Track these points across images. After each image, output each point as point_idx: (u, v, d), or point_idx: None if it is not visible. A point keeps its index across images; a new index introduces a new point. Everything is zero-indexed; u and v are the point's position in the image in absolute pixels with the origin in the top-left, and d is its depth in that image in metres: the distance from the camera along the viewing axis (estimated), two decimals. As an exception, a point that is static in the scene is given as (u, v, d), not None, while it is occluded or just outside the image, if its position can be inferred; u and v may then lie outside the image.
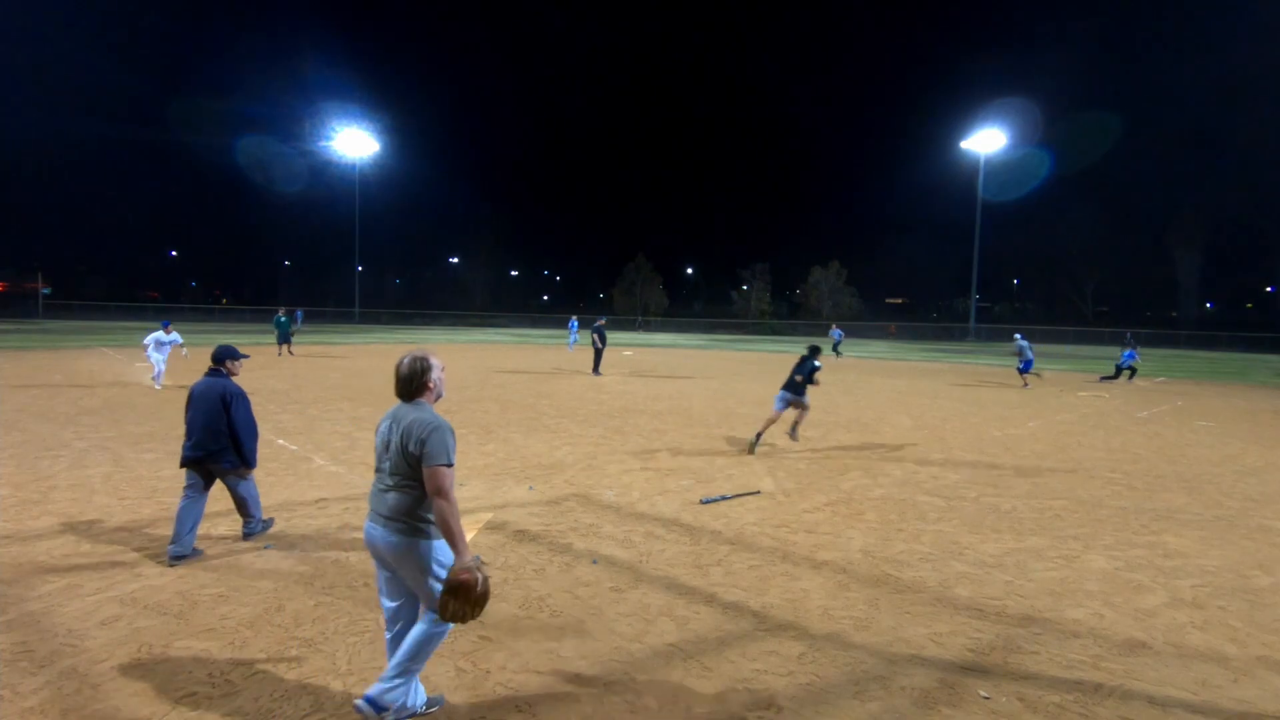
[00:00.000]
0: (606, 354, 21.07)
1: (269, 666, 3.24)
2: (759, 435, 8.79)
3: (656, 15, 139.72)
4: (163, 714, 2.85)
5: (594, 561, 4.74)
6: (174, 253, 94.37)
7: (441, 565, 2.73)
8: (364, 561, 4.60)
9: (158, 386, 13.49)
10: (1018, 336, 19.43)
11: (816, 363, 8.88)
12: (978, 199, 56.28)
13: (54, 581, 4.17)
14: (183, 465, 4.70)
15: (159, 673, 3.17)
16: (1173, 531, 5.87)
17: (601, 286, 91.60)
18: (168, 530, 5.14)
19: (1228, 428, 12.21)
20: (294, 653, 3.38)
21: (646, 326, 70.41)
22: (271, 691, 3.03)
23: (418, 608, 2.85)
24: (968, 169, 58.62)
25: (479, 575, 2.59)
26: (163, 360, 13.81)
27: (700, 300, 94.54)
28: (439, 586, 2.68)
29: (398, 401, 2.87)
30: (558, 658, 3.41)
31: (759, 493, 6.75)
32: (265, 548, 4.83)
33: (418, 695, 2.83)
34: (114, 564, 4.48)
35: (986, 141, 54.99)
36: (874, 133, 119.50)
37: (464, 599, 2.57)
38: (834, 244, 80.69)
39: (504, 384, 16.02)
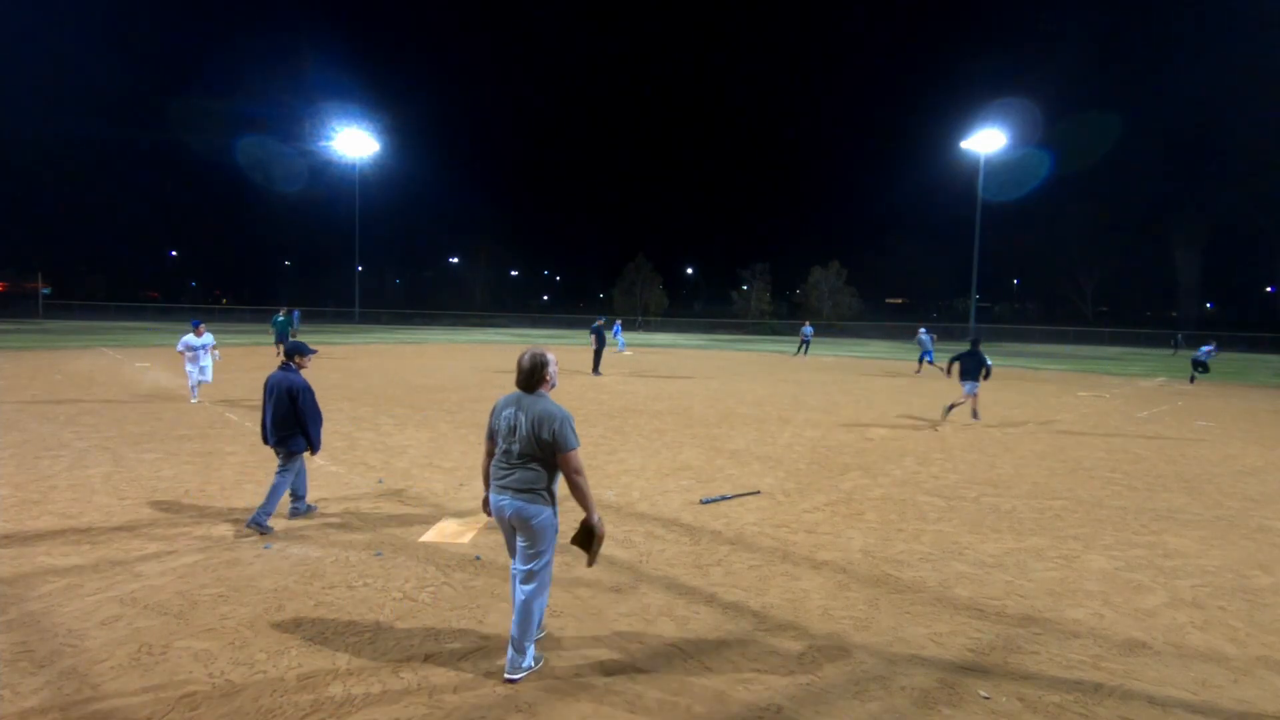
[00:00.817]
0: (606, 354, 21.08)
1: (270, 666, 3.24)
2: (951, 408, 11.63)
3: (656, 15, 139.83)
4: (163, 714, 2.85)
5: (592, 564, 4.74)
6: (174, 253, 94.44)
7: (554, 529, 3.31)
8: (364, 561, 4.60)
9: (194, 400, 11.66)
10: (921, 331, 22.97)
11: (989, 360, 11.71)
12: (978, 199, 56.19)
13: (54, 581, 4.17)
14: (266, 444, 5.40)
15: (159, 673, 3.17)
16: (1173, 531, 5.87)
17: (601, 286, 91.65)
18: (167, 530, 5.15)
19: (1228, 428, 12.21)
20: (294, 652, 3.38)
21: (646, 326, 70.40)
22: (271, 691, 3.03)
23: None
24: (968, 169, 58.51)
25: (603, 528, 3.35)
26: (198, 371, 11.68)
27: (700, 300, 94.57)
28: (545, 546, 3.27)
29: (516, 390, 3.33)
30: (558, 657, 3.41)
31: (759, 493, 6.75)
32: (265, 548, 4.83)
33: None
34: (114, 564, 4.48)
35: (986, 141, 54.91)
36: (874, 133, 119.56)
37: (599, 543, 3.33)
38: (834, 244, 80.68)
39: (504, 384, 16.01)
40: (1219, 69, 68.45)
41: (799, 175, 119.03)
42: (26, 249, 76.37)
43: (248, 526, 5.19)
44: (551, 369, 3.34)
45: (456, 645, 3.50)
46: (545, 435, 3.16)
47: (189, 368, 11.60)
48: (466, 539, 5.15)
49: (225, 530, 5.20)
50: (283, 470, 5.32)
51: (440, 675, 3.21)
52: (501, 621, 3.77)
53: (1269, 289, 68.86)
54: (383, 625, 3.69)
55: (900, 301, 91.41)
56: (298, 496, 5.62)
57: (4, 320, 44.90)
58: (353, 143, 65.48)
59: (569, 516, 3.87)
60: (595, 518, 3.29)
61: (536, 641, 3.41)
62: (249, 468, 7.20)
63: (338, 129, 65.46)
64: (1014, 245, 69.77)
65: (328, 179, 72.88)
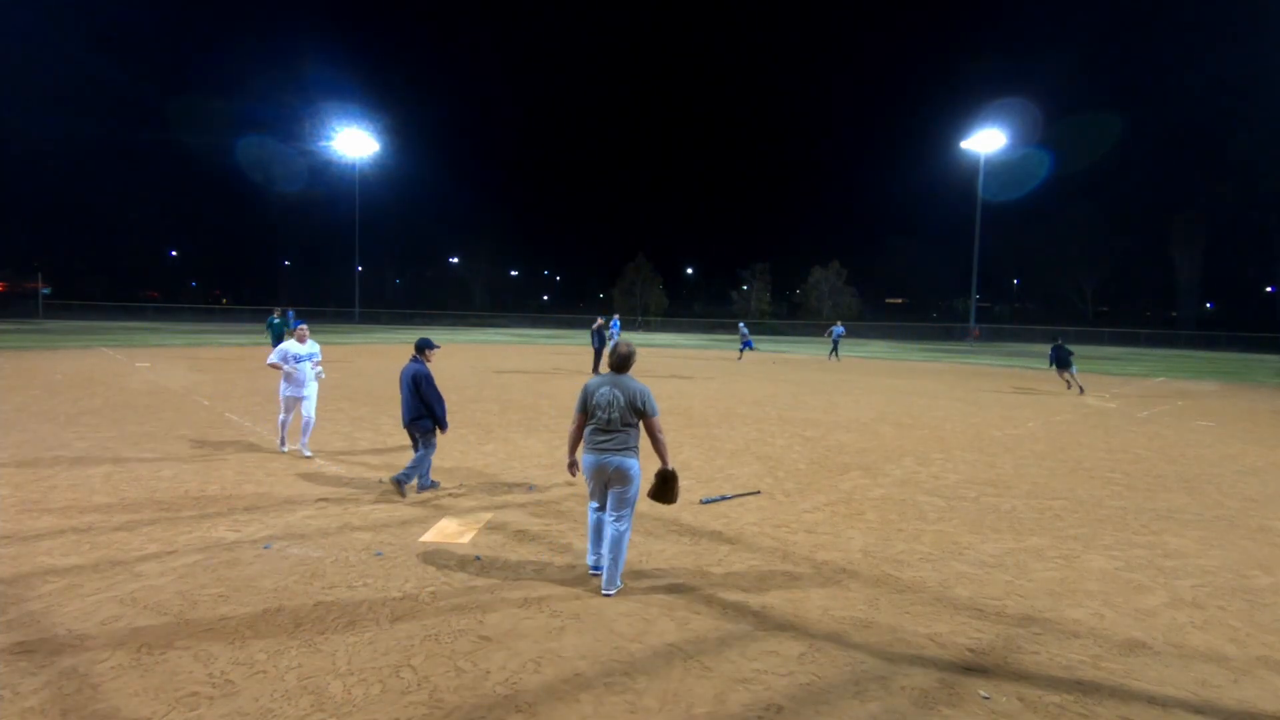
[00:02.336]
0: (606, 353, 21.04)
1: (270, 666, 3.25)
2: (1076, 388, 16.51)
3: (656, 15, 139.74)
4: (163, 714, 2.85)
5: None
6: (174, 253, 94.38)
7: (638, 476, 4.26)
8: (364, 561, 4.60)
9: (284, 448, 7.93)
10: (741, 325, 26.08)
11: (1069, 348, 16.95)
12: (978, 199, 56.25)
13: (54, 581, 4.17)
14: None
15: (159, 673, 3.17)
16: (1173, 531, 5.87)
17: (601, 286, 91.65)
18: (167, 530, 5.15)
19: (1228, 428, 12.21)
20: (294, 652, 3.38)
21: (646, 326, 70.41)
22: (271, 691, 3.03)
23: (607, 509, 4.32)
24: (968, 169, 58.57)
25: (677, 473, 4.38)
26: (301, 392, 7.69)
27: (700, 300, 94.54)
28: (634, 490, 4.25)
29: (606, 373, 4.36)
30: (558, 658, 3.41)
31: (759, 493, 6.75)
32: (265, 547, 4.83)
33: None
34: (114, 564, 4.48)
35: (986, 141, 54.94)
36: (874, 133, 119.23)
37: (674, 486, 4.36)
38: (834, 244, 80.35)
39: (504, 384, 16.01)
40: (1219, 69, 68.41)
41: (799, 175, 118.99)
42: (26, 249, 76.39)
43: (392, 480, 6.26)
44: (636, 356, 4.43)
45: (457, 645, 3.50)
46: (638, 404, 4.16)
47: (285, 389, 7.72)
48: (466, 539, 5.15)
49: (225, 530, 5.20)
50: (425, 447, 6.27)
51: (440, 675, 3.21)
52: (501, 619, 3.78)
53: (1269, 289, 68.81)
54: (383, 625, 3.70)
55: (900, 301, 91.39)
56: (423, 472, 6.33)
57: (4, 320, 44.91)
58: (353, 143, 65.53)
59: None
60: (671, 466, 4.31)
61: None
62: (249, 467, 7.20)
63: (338, 129, 65.50)
64: (1014, 245, 69.74)
65: (328, 179, 72.90)
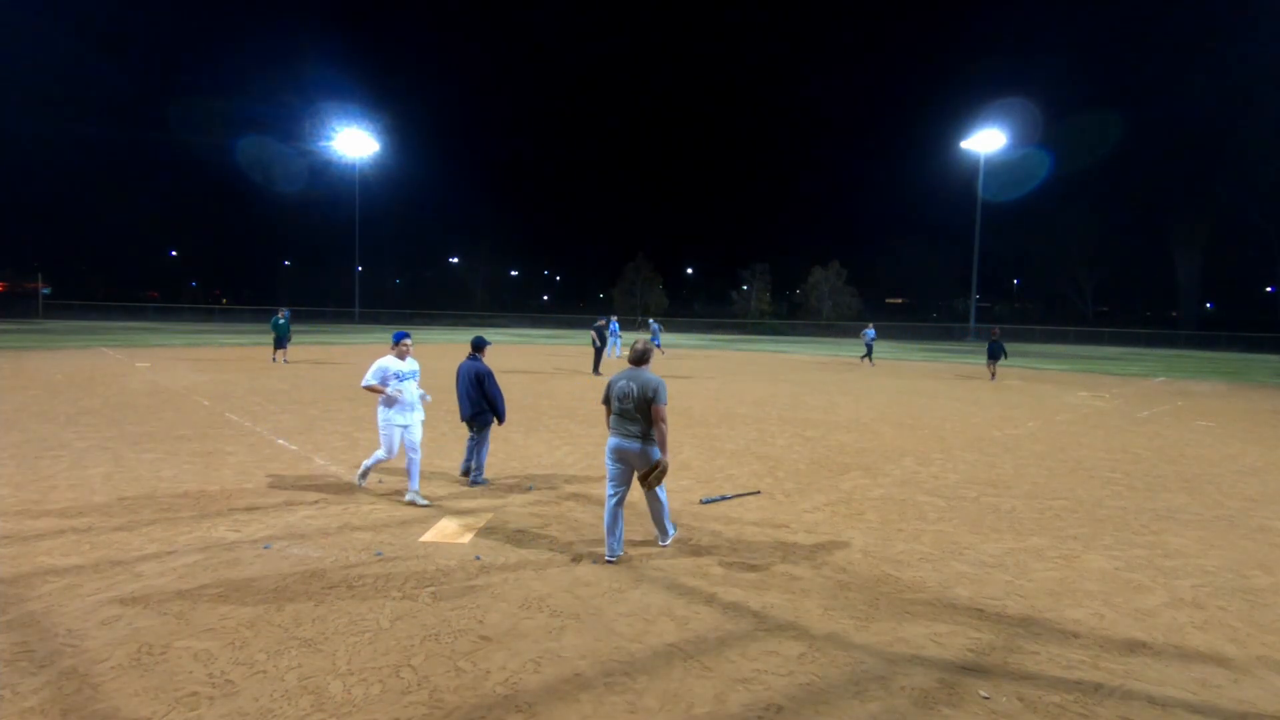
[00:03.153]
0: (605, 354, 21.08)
1: (270, 666, 3.25)
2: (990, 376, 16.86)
3: (656, 16, 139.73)
4: (163, 714, 2.85)
5: (594, 561, 4.74)
6: (174, 253, 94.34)
7: (656, 456, 4.74)
8: (364, 561, 4.60)
9: (360, 483, 6.47)
10: (650, 321, 26.22)
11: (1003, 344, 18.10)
12: (978, 199, 56.25)
13: (54, 581, 4.17)
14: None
15: (159, 673, 3.17)
16: (1173, 531, 5.87)
17: (601, 286, 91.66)
18: (167, 530, 5.15)
19: (1228, 428, 12.21)
20: (293, 653, 3.38)
21: (646, 327, 70.37)
22: (271, 691, 3.03)
23: (628, 487, 4.88)
24: (968, 169, 58.58)
25: (667, 464, 4.79)
26: (409, 419, 6.07)
27: (700, 300, 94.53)
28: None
29: (629, 367, 4.87)
30: (558, 658, 3.41)
31: (759, 493, 6.75)
32: (265, 547, 4.83)
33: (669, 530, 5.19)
34: (114, 564, 4.48)
35: (986, 141, 54.94)
36: (874, 133, 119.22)
37: (661, 475, 4.75)
38: (834, 244, 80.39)
39: (504, 384, 15.96)
40: (1219, 69, 68.43)
41: (799, 175, 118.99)
42: (26, 249, 76.39)
43: (472, 484, 6.65)
44: (652, 353, 4.97)
45: (457, 645, 3.50)
46: (649, 395, 4.67)
47: (386, 417, 6.05)
48: (466, 539, 5.15)
49: (225, 530, 5.20)
50: (482, 441, 6.64)
51: (440, 675, 3.21)
52: (501, 619, 3.78)
53: (1269, 289, 68.77)
54: (382, 625, 3.70)
55: (900, 301, 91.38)
56: (477, 468, 6.72)
57: (4, 320, 44.90)
58: (353, 143, 65.55)
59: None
60: (665, 457, 4.75)
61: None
62: (249, 468, 7.20)
63: (338, 129, 65.52)
64: (1014, 245, 69.75)
65: (328, 179, 72.91)
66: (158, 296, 79.80)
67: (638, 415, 4.69)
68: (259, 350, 24.26)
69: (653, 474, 4.71)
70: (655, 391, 4.67)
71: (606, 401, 4.89)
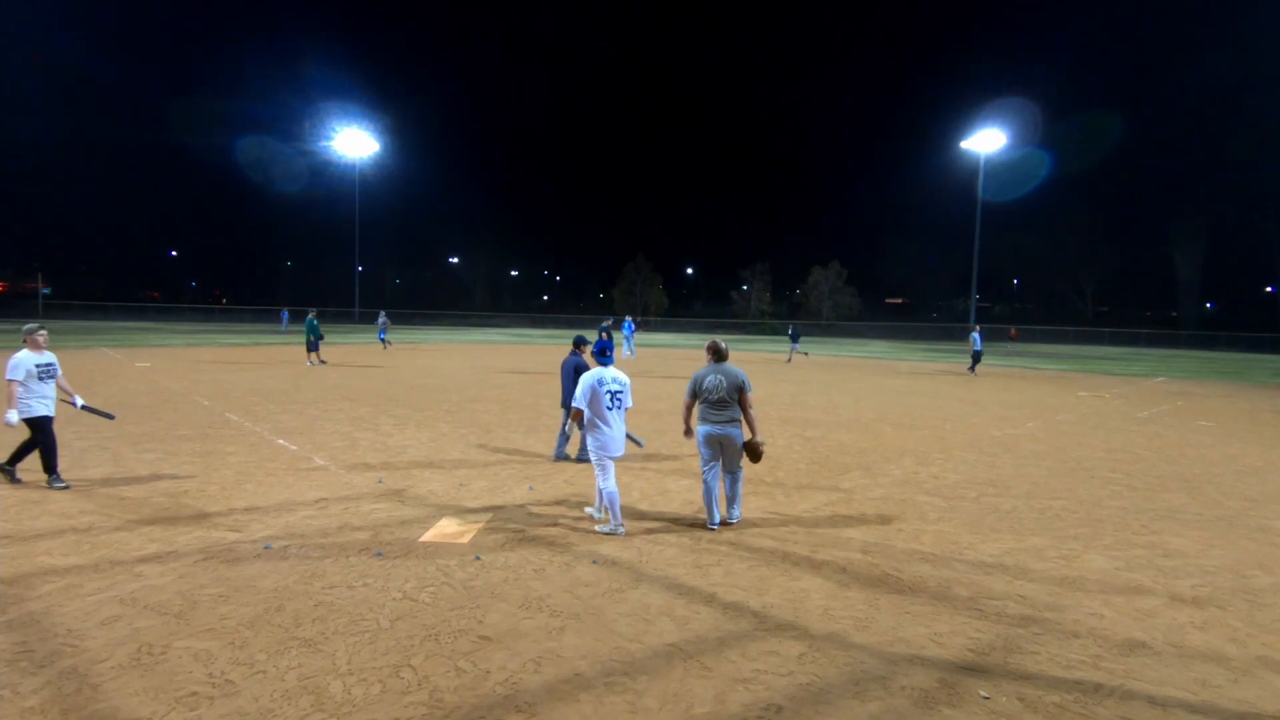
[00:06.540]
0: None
1: (270, 666, 3.24)
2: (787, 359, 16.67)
3: (656, 15, 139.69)
4: (163, 714, 2.85)
5: (594, 561, 4.74)
6: (174, 253, 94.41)
7: (741, 438, 5.46)
8: (364, 561, 4.60)
9: (598, 518, 5.59)
10: (627, 320, 27.11)
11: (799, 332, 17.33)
12: (978, 199, 56.23)
13: (54, 581, 4.17)
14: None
15: (159, 673, 3.16)
16: (1173, 531, 5.86)
17: (601, 286, 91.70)
18: (167, 530, 5.15)
19: (1228, 428, 12.21)
20: (294, 652, 3.38)
21: (647, 326, 70.42)
22: (271, 691, 3.03)
23: (720, 465, 5.54)
24: (968, 169, 58.56)
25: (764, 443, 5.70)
26: (623, 444, 5.49)
27: (700, 300, 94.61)
28: (740, 449, 5.50)
29: (711, 363, 5.57)
30: (558, 658, 3.41)
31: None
32: (265, 547, 4.83)
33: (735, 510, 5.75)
34: (114, 564, 4.48)
35: (986, 141, 54.93)
36: (874, 133, 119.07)
37: (758, 449, 5.48)
38: (834, 244, 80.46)
39: (504, 384, 16.01)
40: (1219, 69, 68.37)
41: (799, 175, 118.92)
42: (26, 249, 76.41)
43: (555, 459, 7.80)
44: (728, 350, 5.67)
45: (457, 645, 3.50)
46: (739, 384, 5.38)
47: (603, 448, 5.34)
48: (466, 539, 5.15)
49: (225, 530, 5.20)
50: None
51: (440, 675, 3.21)
52: (501, 619, 3.78)
53: (1269, 289, 68.77)
54: (383, 625, 3.70)
55: (900, 301, 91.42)
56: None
57: (4, 320, 44.89)
58: (353, 143, 65.56)
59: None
60: (760, 436, 5.47)
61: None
62: (249, 468, 7.20)
63: (338, 129, 65.54)
64: (1014, 245, 69.73)
65: (328, 179, 72.96)
66: (158, 296, 79.91)
67: (728, 401, 5.36)
68: (259, 350, 24.26)
69: (755, 452, 5.45)
70: (744, 382, 5.39)
71: (693, 394, 5.52)
